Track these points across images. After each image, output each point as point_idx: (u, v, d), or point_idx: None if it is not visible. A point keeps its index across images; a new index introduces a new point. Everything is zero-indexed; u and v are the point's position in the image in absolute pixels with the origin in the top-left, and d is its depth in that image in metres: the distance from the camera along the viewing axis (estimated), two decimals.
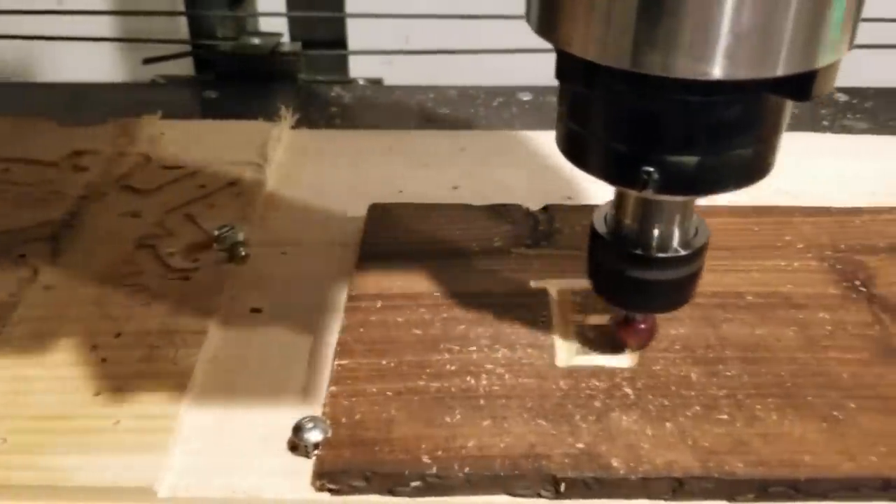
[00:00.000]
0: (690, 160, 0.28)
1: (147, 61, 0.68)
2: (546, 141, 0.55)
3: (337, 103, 0.63)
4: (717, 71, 0.24)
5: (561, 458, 0.31)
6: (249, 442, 0.33)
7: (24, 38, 0.73)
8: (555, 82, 0.29)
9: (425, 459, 0.31)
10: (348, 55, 0.72)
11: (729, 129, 0.28)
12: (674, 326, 0.37)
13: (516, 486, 0.31)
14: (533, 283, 0.40)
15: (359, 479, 0.31)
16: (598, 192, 0.48)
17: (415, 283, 0.40)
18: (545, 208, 0.45)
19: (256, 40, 0.67)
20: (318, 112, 0.61)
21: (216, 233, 0.42)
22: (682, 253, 0.32)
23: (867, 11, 0.27)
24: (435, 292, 0.39)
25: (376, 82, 0.70)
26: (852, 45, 0.26)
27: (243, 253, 0.42)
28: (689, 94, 0.26)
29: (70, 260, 0.42)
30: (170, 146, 0.52)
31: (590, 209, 0.45)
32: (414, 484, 0.31)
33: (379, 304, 0.39)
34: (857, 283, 0.40)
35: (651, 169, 0.28)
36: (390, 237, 0.43)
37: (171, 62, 0.68)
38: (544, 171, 0.51)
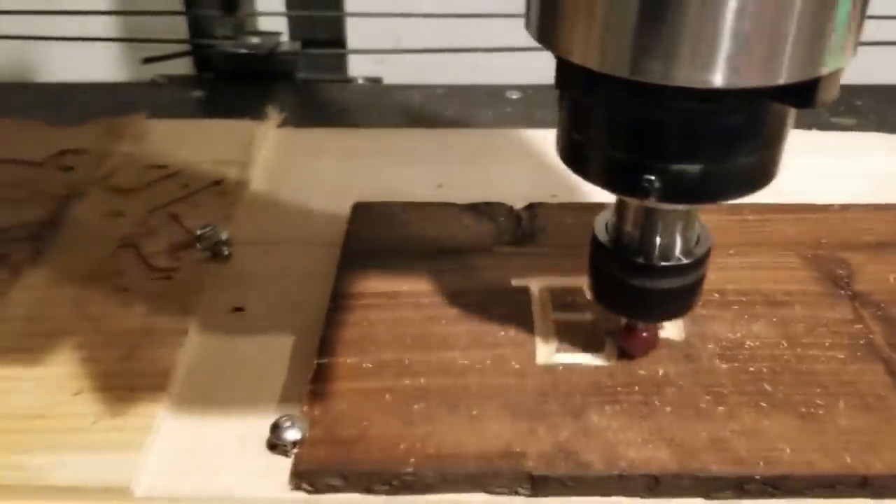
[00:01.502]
0: (693, 168, 0.28)
1: (146, 61, 0.68)
2: (533, 139, 0.55)
3: (336, 102, 0.63)
4: (718, 79, 0.24)
5: (537, 457, 0.31)
6: (229, 441, 0.33)
7: (23, 38, 0.73)
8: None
9: (401, 458, 0.31)
10: (347, 54, 0.72)
11: (731, 137, 0.27)
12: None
13: (492, 485, 0.31)
14: (514, 282, 0.40)
15: (335, 477, 0.31)
16: (585, 189, 0.49)
17: (397, 281, 0.40)
18: (529, 206, 0.45)
19: (256, 40, 0.68)
20: (317, 111, 0.62)
21: (198, 232, 0.43)
22: (685, 261, 0.32)
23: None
24: (416, 291, 0.39)
25: (376, 81, 0.70)
26: (855, 52, 0.26)
27: (226, 252, 0.43)
28: (691, 102, 0.26)
29: (52, 260, 0.42)
30: (155, 145, 0.52)
31: (574, 207, 0.45)
32: (390, 483, 0.31)
33: (361, 302, 0.39)
34: (839, 280, 0.40)
35: (652, 177, 0.28)
36: (373, 236, 0.43)
37: (171, 62, 0.68)
38: (531, 169, 0.51)
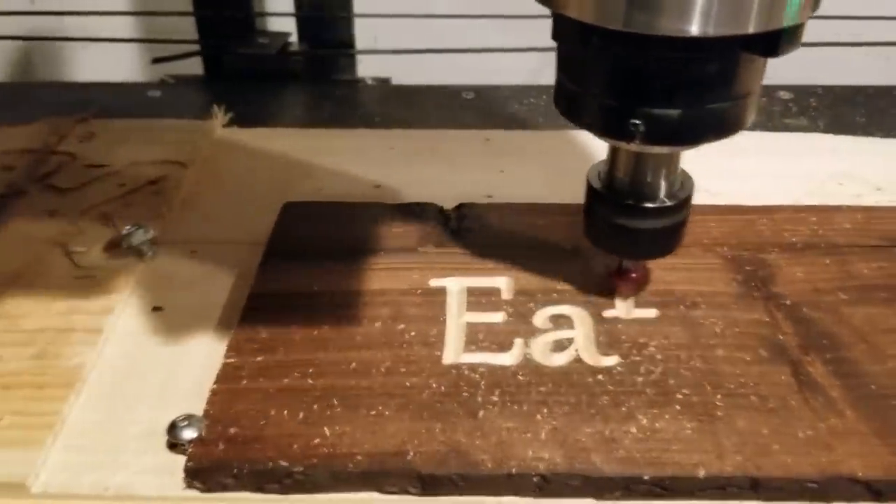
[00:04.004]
0: (673, 112, 0.31)
1: (156, 61, 0.68)
2: (475, 139, 0.55)
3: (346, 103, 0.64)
4: (694, 28, 0.27)
5: (428, 456, 0.31)
6: (132, 439, 0.34)
7: (31, 38, 0.73)
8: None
9: (294, 457, 0.31)
10: (356, 55, 0.72)
11: (707, 83, 0.30)
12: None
13: (383, 484, 0.31)
14: (433, 282, 0.40)
15: (227, 476, 0.31)
16: (520, 190, 0.49)
17: (316, 281, 0.40)
18: (458, 207, 0.45)
19: (264, 40, 0.68)
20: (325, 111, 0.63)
21: (124, 232, 0.43)
22: (669, 203, 0.35)
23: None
24: (334, 291, 0.39)
25: (384, 82, 0.71)
26: (816, 10, 0.29)
27: (151, 252, 0.43)
28: (672, 51, 0.29)
29: None
30: (99, 145, 0.53)
31: (503, 207, 0.46)
32: (281, 481, 0.31)
33: (277, 302, 0.39)
34: (758, 281, 0.40)
35: (638, 121, 0.31)
36: (300, 236, 0.43)
37: (181, 62, 0.69)
38: (469, 169, 0.52)
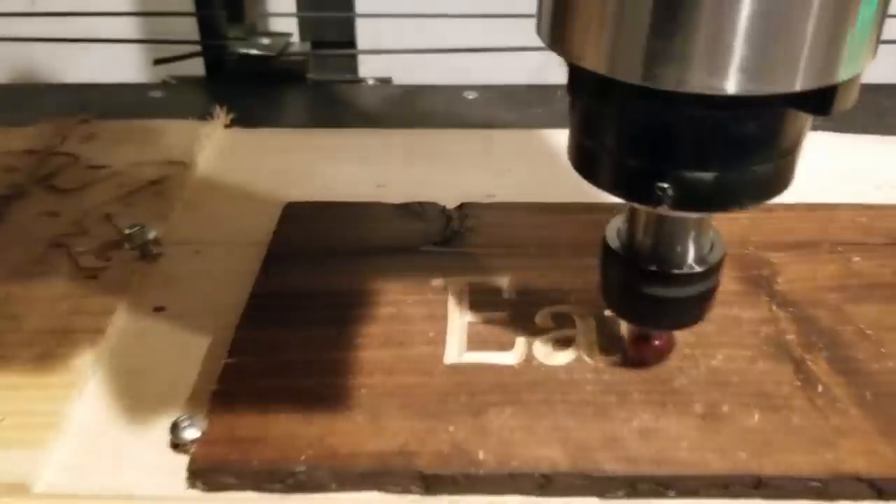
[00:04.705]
0: (706, 176, 0.27)
1: (157, 62, 0.68)
2: (477, 138, 0.55)
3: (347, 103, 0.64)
4: (731, 86, 0.23)
5: (430, 455, 0.31)
6: (135, 440, 0.34)
7: (35, 40, 0.73)
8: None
9: (296, 457, 0.31)
10: (357, 55, 0.72)
11: (746, 144, 0.27)
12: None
13: (386, 483, 0.31)
14: (434, 282, 0.40)
15: (229, 476, 0.31)
16: (523, 189, 0.49)
17: (317, 282, 0.40)
18: (460, 206, 0.45)
19: (266, 41, 0.68)
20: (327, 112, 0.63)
21: (126, 232, 0.43)
22: (698, 269, 0.31)
23: None
24: (336, 291, 0.39)
25: (385, 81, 0.71)
26: (874, 56, 0.25)
27: (154, 252, 0.43)
28: (704, 109, 0.25)
29: None
30: (101, 146, 0.53)
31: (505, 207, 0.46)
32: (283, 481, 0.31)
33: (278, 303, 0.39)
34: (761, 280, 0.40)
35: (666, 185, 0.27)
36: (302, 236, 0.43)
37: (183, 63, 0.69)
38: (472, 168, 0.52)
